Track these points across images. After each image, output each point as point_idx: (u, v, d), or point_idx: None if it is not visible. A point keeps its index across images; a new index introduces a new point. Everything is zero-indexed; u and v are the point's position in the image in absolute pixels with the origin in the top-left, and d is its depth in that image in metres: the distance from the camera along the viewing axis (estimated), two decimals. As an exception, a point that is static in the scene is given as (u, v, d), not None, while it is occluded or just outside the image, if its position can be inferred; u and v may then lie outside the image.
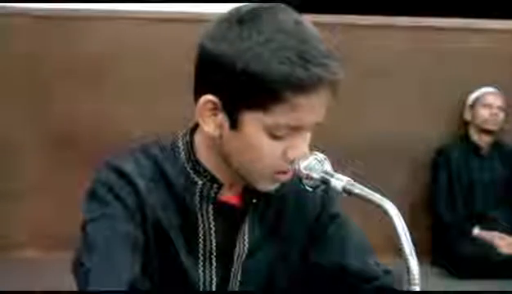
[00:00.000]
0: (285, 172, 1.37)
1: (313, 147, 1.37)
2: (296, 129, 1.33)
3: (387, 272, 1.54)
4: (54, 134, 4.92)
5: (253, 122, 1.31)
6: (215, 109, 1.34)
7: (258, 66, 1.27)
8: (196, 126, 1.42)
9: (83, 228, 1.39)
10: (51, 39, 4.91)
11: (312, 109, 1.31)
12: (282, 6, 1.35)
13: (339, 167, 1.37)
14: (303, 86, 1.27)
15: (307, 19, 1.36)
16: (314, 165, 1.35)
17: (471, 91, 5.00)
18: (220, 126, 1.35)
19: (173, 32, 4.74)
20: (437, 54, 5.02)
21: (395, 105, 5.00)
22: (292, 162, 1.35)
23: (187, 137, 1.44)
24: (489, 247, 4.64)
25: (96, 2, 4.95)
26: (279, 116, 1.30)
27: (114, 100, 4.91)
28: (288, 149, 1.34)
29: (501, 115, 4.98)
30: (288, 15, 1.33)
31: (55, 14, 4.95)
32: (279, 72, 1.27)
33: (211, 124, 1.36)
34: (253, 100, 1.30)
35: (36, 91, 4.93)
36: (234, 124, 1.33)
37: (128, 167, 1.40)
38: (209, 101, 1.34)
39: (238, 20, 1.32)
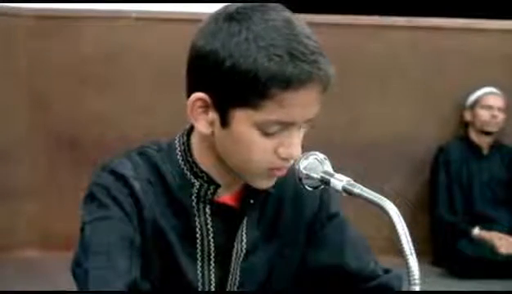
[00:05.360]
0: (278, 169, 1.36)
1: (313, 147, 1.37)
2: (287, 126, 1.32)
3: (386, 271, 1.55)
4: (54, 134, 4.92)
5: (243, 119, 1.31)
6: (206, 106, 1.34)
7: (247, 63, 1.27)
8: (193, 126, 1.42)
9: (82, 230, 1.39)
10: (51, 39, 4.91)
11: (301, 105, 1.31)
12: (274, 4, 1.35)
13: (339, 167, 1.37)
14: (291, 83, 1.27)
15: (306, 18, 1.36)
16: (314, 165, 1.35)
17: (471, 92, 4.99)
18: (211, 124, 1.35)
19: (173, 32, 4.74)
20: (436, 54, 5.02)
21: (395, 105, 5.00)
22: (284, 159, 1.34)
23: (184, 138, 1.44)
24: (489, 247, 4.65)
25: (96, 2, 4.95)
26: (268, 113, 1.29)
27: (114, 100, 4.91)
28: (280, 146, 1.33)
29: (501, 116, 4.97)
30: (278, 12, 1.32)
31: (55, 14, 4.96)
32: (267, 69, 1.27)
33: (202, 122, 1.36)
34: (242, 97, 1.29)
35: (36, 91, 4.93)
36: (225, 121, 1.33)
37: (125, 169, 1.40)
38: (199, 99, 1.34)
39: (228, 18, 1.32)
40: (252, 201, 1.44)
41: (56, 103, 4.91)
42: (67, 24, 4.94)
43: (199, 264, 1.44)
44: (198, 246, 1.43)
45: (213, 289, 1.45)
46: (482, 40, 5.03)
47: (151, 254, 1.40)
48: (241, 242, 1.45)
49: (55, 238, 4.70)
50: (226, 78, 1.29)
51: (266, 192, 1.44)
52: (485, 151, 5.02)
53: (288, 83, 1.27)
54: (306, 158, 1.35)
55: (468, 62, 4.98)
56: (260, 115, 1.30)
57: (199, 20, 1.38)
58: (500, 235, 4.73)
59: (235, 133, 1.33)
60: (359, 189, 1.29)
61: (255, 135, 1.32)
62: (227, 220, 1.44)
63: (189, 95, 1.36)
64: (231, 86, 1.29)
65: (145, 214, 1.39)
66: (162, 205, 1.41)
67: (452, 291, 4.23)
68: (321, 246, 1.51)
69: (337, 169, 1.35)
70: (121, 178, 1.39)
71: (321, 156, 1.36)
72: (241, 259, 1.46)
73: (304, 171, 1.35)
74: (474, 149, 5.00)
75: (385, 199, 1.24)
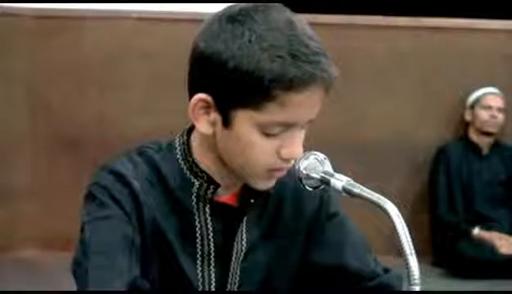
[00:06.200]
0: (279, 169, 1.37)
1: (314, 147, 1.37)
2: (289, 127, 1.32)
3: (386, 271, 1.55)
4: (55, 134, 4.92)
5: (245, 120, 1.31)
6: (208, 107, 1.34)
7: (250, 64, 1.27)
8: (193, 126, 1.42)
9: (82, 229, 1.39)
10: (51, 39, 4.91)
11: (304, 106, 1.31)
12: (276, 5, 1.35)
13: (339, 167, 1.37)
14: (294, 84, 1.27)
15: (307, 18, 1.36)
16: (314, 165, 1.35)
17: (471, 91, 4.99)
18: (213, 125, 1.35)
19: (174, 32, 4.74)
20: (437, 54, 5.02)
21: (395, 105, 5.00)
22: (286, 160, 1.35)
23: (184, 137, 1.44)
24: (489, 247, 4.65)
25: (96, 2, 4.95)
26: (271, 114, 1.30)
27: (114, 100, 4.91)
28: (281, 147, 1.34)
29: (501, 117, 4.97)
30: (280, 13, 1.32)
31: (55, 14, 4.96)
32: (270, 70, 1.27)
33: (204, 123, 1.36)
34: (244, 98, 1.29)
35: (36, 91, 4.93)
36: (226, 122, 1.33)
37: (124, 169, 1.39)
38: (201, 100, 1.34)
39: (230, 19, 1.32)
40: (252, 200, 1.44)
41: (56, 103, 4.92)
42: (67, 24, 4.95)
43: (199, 263, 1.44)
44: (198, 245, 1.43)
45: (213, 289, 1.45)
46: (483, 40, 5.03)
47: (151, 254, 1.40)
48: (241, 242, 1.45)
49: (55, 238, 4.70)
50: (229, 79, 1.29)
51: (266, 192, 1.43)
52: (485, 151, 5.02)
53: (291, 85, 1.27)
54: (306, 158, 1.36)
55: (468, 62, 4.98)
56: (262, 116, 1.30)
57: (199, 20, 1.38)
58: (500, 235, 4.73)
59: (237, 134, 1.33)
60: (359, 189, 1.29)
61: (257, 136, 1.32)
62: (227, 219, 1.44)
63: (191, 96, 1.36)
64: (233, 87, 1.29)
65: (145, 214, 1.39)
66: (162, 205, 1.41)
67: (452, 291, 4.24)
68: (321, 245, 1.51)
69: (337, 169, 1.35)
70: (121, 178, 1.38)
71: (321, 156, 1.36)
72: (241, 258, 1.46)
73: (304, 171, 1.35)
74: (474, 149, 5.00)
75: (385, 199, 1.24)
